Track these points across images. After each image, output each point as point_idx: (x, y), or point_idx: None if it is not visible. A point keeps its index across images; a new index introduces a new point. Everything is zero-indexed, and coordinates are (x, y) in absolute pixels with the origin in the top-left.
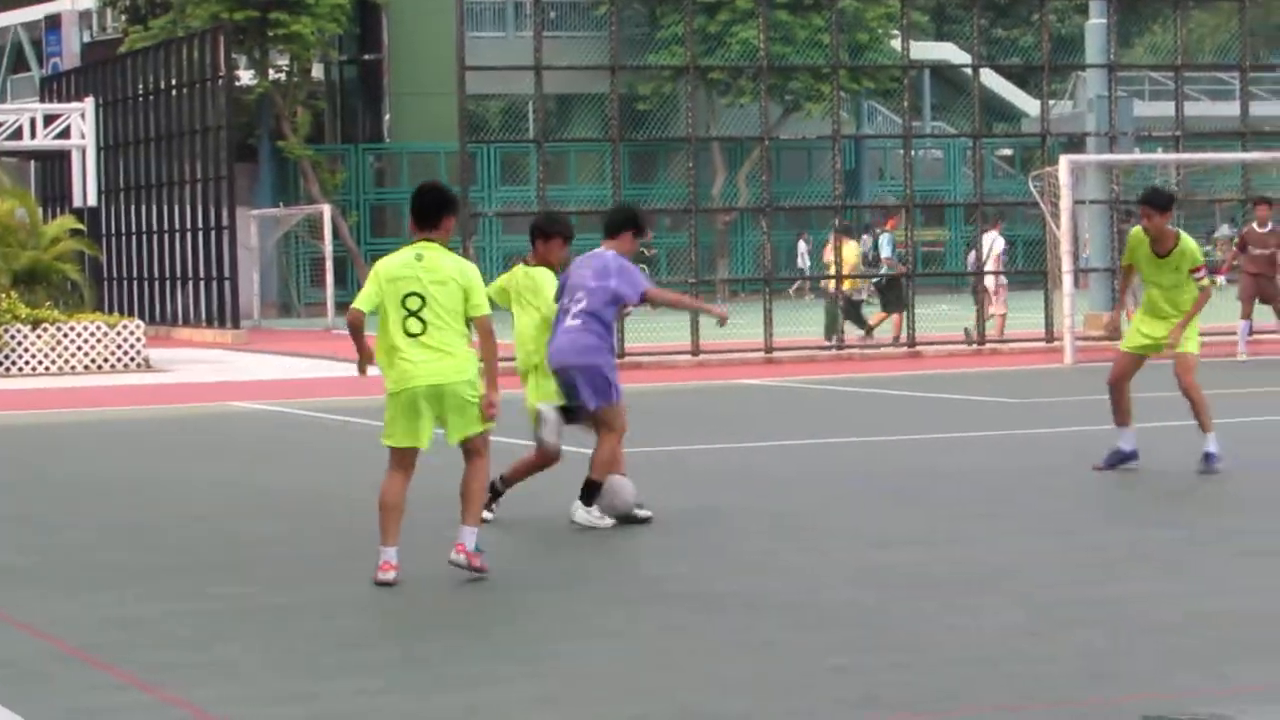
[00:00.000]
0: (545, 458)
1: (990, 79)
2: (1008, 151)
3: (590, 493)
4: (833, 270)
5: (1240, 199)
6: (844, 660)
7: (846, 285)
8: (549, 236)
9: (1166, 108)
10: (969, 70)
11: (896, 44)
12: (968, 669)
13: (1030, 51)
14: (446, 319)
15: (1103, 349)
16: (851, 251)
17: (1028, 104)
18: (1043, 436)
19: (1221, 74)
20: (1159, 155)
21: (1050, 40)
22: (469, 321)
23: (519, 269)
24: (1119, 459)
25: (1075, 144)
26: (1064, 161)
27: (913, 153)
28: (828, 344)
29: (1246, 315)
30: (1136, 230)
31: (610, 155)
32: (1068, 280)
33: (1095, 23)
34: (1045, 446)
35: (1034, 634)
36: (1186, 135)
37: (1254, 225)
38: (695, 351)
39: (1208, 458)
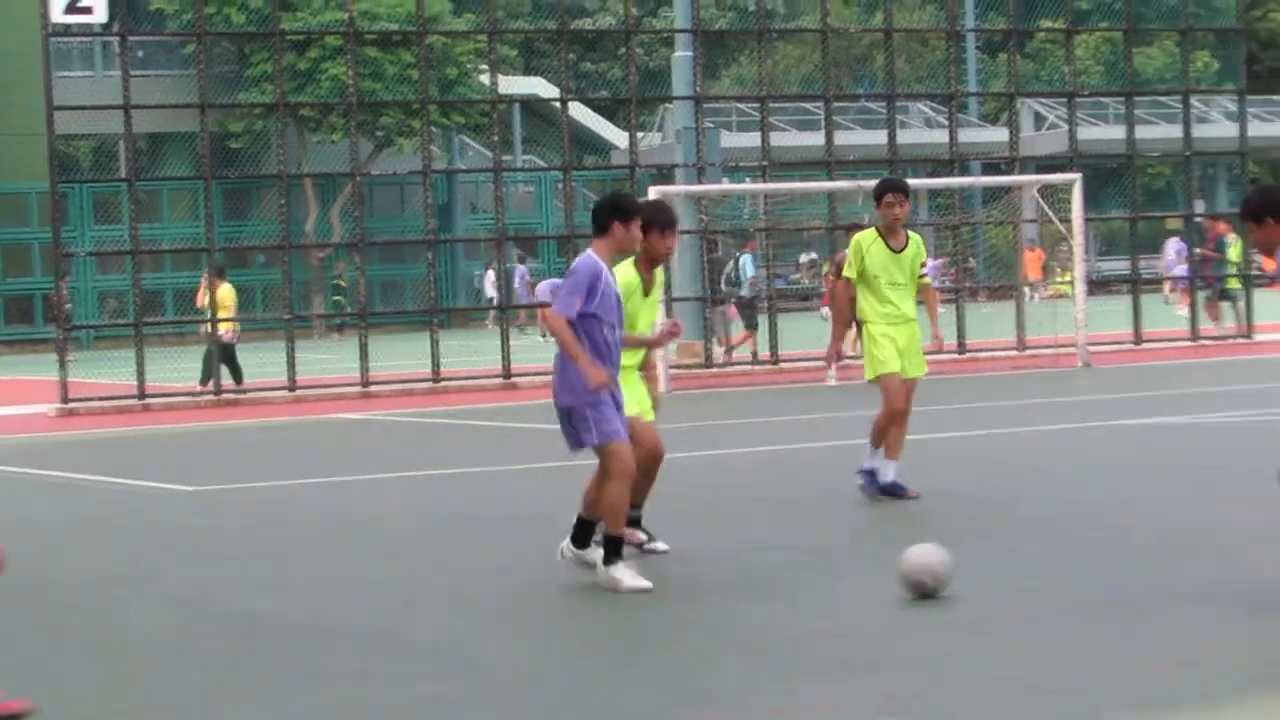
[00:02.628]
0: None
1: (579, 112)
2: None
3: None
4: (209, 314)
5: (827, 226)
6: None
7: (223, 328)
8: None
9: (753, 138)
10: (558, 104)
11: (486, 78)
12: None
13: (618, 85)
14: None
15: (695, 376)
16: (228, 294)
17: (617, 136)
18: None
19: (806, 104)
20: (746, 185)
21: (637, 73)
22: None
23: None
24: (892, 489)
25: (664, 175)
26: (653, 192)
27: (504, 186)
28: (204, 389)
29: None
30: (863, 234)
31: (203, 192)
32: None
33: (681, 56)
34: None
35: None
36: (773, 165)
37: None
38: (292, 387)
39: (870, 476)
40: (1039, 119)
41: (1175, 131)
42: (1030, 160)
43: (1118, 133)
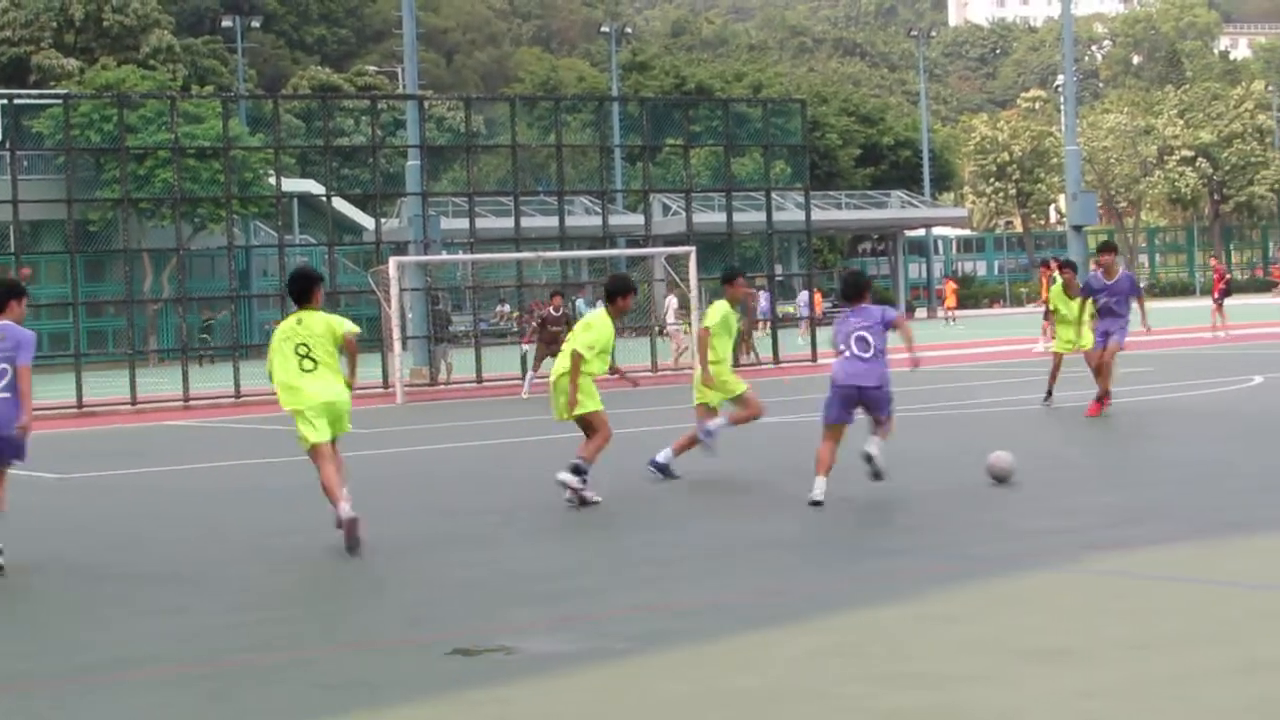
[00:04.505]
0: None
1: (340, 204)
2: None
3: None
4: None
5: (516, 284)
6: None
7: None
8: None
9: (464, 222)
10: (324, 198)
11: (273, 180)
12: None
13: (368, 184)
14: None
15: (422, 391)
16: None
17: (367, 221)
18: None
19: (501, 198)
20: (459, 256)
21: (381, 176)
22: None
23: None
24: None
25: (401, 249)
26: (392, 262)
27: (285, 257)
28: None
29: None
30: (724, 303)
31: (69, 263)
32: (397, 345)
33: (412, 164)
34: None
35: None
36: (477, 241)
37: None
38: (133, 402)
39: (659, 468)
40: (665, 208)
41: (760, 217)
42: (659, 238)
43: (720, 218)
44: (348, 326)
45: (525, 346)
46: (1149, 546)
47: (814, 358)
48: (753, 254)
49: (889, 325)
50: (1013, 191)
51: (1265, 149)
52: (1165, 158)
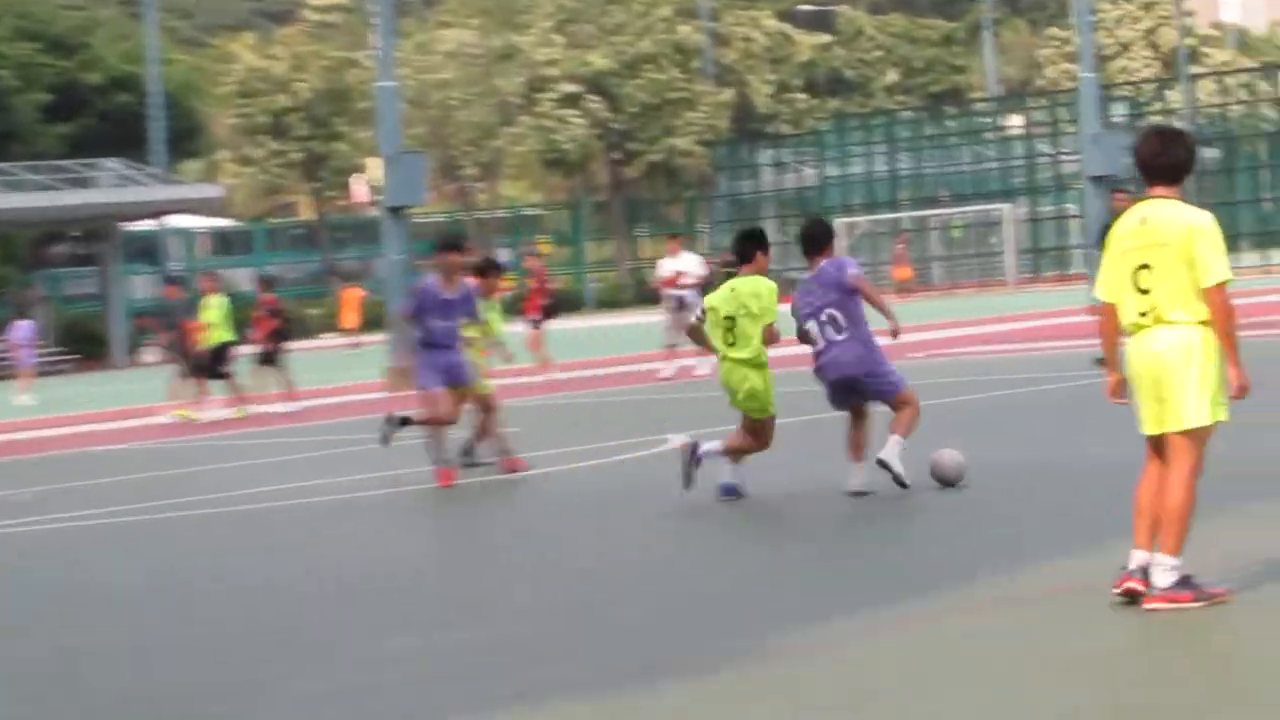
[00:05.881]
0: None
1: None
2: None
3: None
4: None
5: None
6: None
7: None
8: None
9: None
10: None
11: None
12: None
13: None
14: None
15: None
16: None
17: None
18: None
19: None
20: None
21: None
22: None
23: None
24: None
25: None
26: None
27: None
28: None
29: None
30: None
31: None
32: None
33: None
34: None
35: None
36: None
37: None
38: None
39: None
40: None
41: None
42: None
43: None
44: None
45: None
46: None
47: None
48: None
49: (850, 289)
50: (298, 156)
51: (690, 79)
52: (536, 95)
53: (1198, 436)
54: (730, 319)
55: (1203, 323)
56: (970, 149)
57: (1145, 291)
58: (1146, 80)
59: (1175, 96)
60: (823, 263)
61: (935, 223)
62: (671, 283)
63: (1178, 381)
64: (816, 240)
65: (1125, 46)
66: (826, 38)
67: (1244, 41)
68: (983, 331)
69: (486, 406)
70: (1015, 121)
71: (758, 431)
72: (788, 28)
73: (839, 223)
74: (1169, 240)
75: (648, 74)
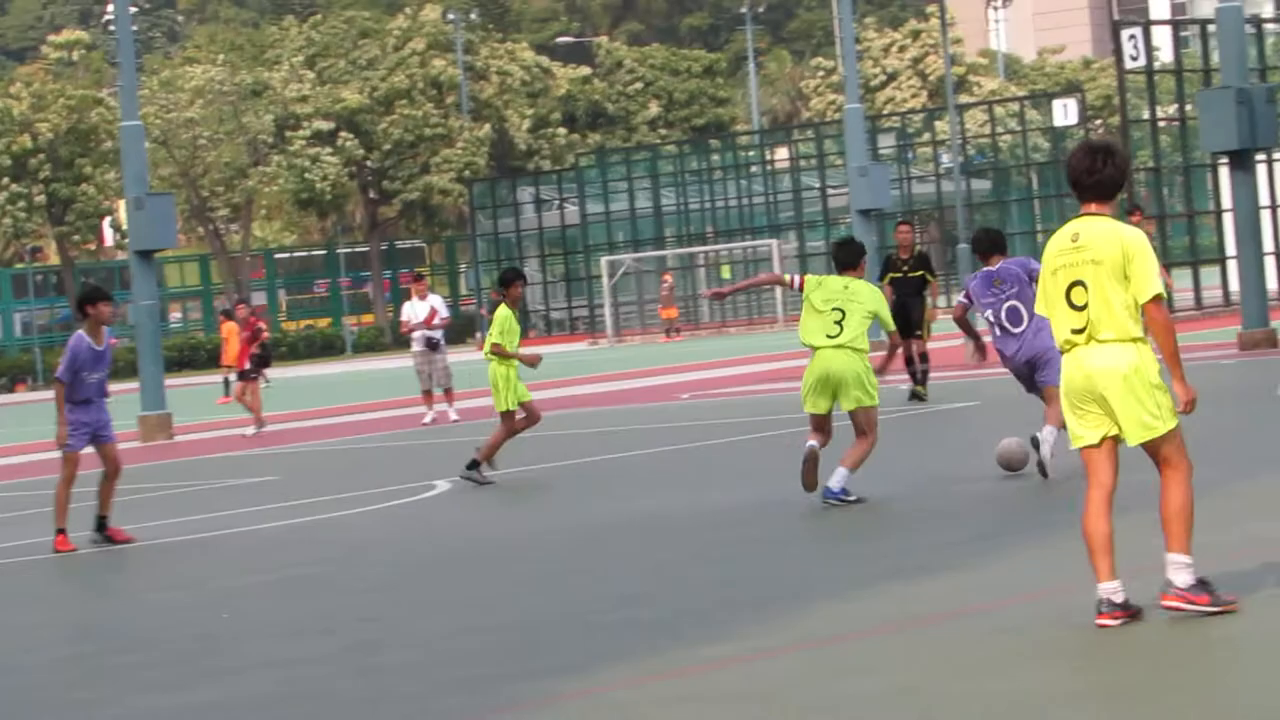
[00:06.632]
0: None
1: None
2: None
3: None
4: None
5: None
6: None
7: None
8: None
9: None
10: None
11: None
12: None
13: None
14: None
15: None
16: None
17: None
18: None
19: None
20: None
21: None
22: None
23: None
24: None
25: None
26: None
27: None
28: None
29: None
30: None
31: None
32: None
33: None
34: None
35: None
36: None
37: None
38: None
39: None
40: None
41: None
42: None
43: None
44: None
45: None
46: None
47: None
48: None
49: (1032, 279)
50: (41, 199)
51: (446, 114)
52: (288, 134)
53: (1176, 437)
54: (840, 310)
55: (1135, 339)
56: (736, 183)
57: (1079, 308)
58: (914, 110)
59: (943, 126)
60: (1003, 261)
61: (702, 260)
62: (421, 325)
63: (1124, 395)
64: (997, 244)
65: (892, 76)
66: (586, 70)
67: (1013, 70)
68: (752, 371)
69: (532, 417)
70: (781, 155)
71: (864, 427)
72: (545, 60)
73: (602, 260)
74: (1103, 258)
75: (402, 110)
